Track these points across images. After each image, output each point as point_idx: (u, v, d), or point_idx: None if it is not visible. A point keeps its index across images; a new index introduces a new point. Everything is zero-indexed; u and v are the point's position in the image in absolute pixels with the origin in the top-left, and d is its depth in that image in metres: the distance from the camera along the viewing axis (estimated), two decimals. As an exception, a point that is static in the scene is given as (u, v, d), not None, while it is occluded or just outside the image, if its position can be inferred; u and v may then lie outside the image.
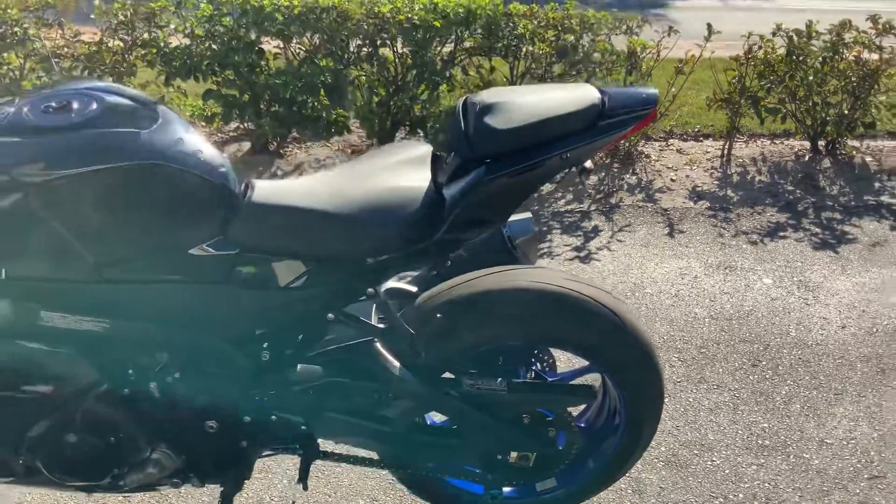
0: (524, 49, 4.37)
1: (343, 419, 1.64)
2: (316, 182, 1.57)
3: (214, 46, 4.29)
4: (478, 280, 1.58)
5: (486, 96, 1.51)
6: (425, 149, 1.63)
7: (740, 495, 2.05)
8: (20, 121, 1.37)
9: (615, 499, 2.02)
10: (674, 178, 4.58)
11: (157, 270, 1.44)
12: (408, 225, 1.46)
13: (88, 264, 1.39)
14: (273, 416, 1.61)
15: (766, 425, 2.33)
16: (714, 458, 2.19)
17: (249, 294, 1.49)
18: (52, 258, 1.38)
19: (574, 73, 4.41)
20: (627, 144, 4.75)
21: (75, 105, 1.41)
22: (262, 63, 4.37)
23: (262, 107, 4.45)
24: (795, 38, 4.53)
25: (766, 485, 2.09)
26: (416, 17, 4.18)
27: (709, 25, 4.63)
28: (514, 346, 1.70)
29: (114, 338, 1.46)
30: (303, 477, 1.66)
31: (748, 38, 4.57)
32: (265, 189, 1.52)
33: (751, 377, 2.57)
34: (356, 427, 1.66)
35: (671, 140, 5.21)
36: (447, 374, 1.65)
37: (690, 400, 2.44)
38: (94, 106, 1.42)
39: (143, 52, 4.36)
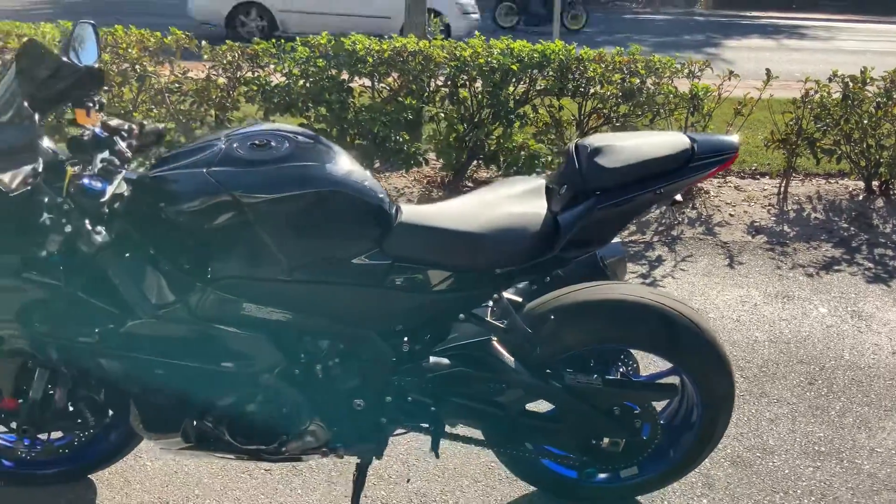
0: (592, 90, 4.73)
1: (464, 404, 1.98)
2: (452, 207, 1.94)
3: (308, 85, 4.74)
4: (583, 291, 1.91)
5: (595, 140, 1.87)
6: (539, 182, 1.99)
7: (798, 491, 2.32)
8: (234, 154, 1.77)
9: (688, 490, 2.31)
10: (732, 213, 4.85)
11: (330, 274, 1.81)
12: (531, 243, 1.82)
13: (283, 267, 1.77)
14: (409, 398, 1.96)
15: (821, 434, 2.60)
16: (774, 461, 2.46)
17: (398, 296, 1.86)
18: (256, 261, 1.76)
19: (639, 113, 4.74)
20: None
21: (272, 143, 1.81)
22: (351, 101, 4.81)
23: (347, 140, 4.88)
24: (851, 83, 4.80)
25: (822, 483, 2.36)
26: (494, 61, 4.58)
27: (767, 71, 4.94)
28: (605, 348, 2.03)
29: (294, 326, 1.84)
30: (434, 447, 2.00)
31: (805, 82, 4.86)
32: (411, 211, 1.89)
33: (807, 393, 2.84)
34: (474, 411, 1.99)
35: (729, 177, 5.50)
36: (552, 370, 1.98)
37: (753, 411, 2.72)
38: (287, 144, 1.81)
39: (245, 89, 4.84)
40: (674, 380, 2.07)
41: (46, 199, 1.72)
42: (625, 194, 1.80)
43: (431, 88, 4.83)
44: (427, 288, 1.85)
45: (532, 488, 2.28)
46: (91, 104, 1.85)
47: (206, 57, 4.84)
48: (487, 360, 1.92)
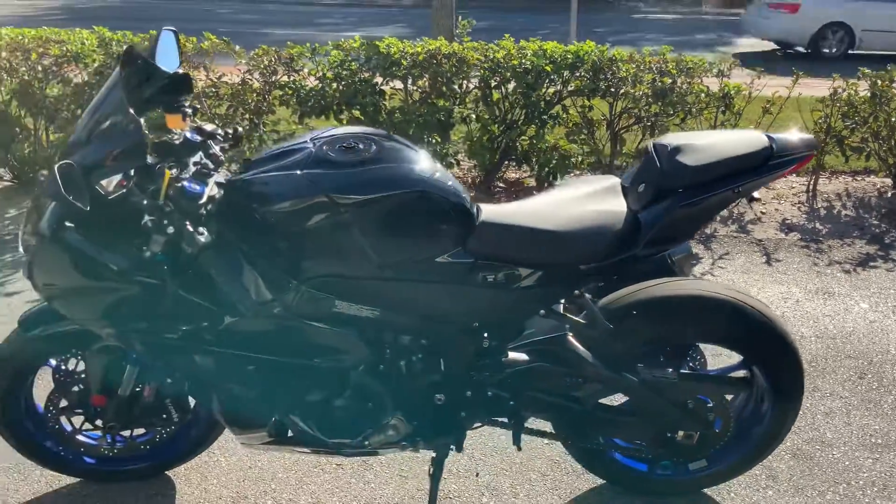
0: (623, 90, 4.77)
1: (541, 398, 2.03)
2: (531, 205, 1.99)
3: (341, 88, 4.79)
4: (660, 287, 1.96)
5: (674, 139, 1.93)
6: (613, 181, 2.04)
7: (860, 482, 2.37)
8: (325, 157, 1.82)
9: (752, 483, 2.36)
10: (763, 210, 4.89)
11: (416, 272, 1.87)
12: (613, 241, 1.87)
13: (373, 265, 1.82)
14: (489, 393, 2.01)
15: (877, 427, 2.64)
16: (834, 453, 2.51)
17: (481, 293, 1.91)
18: (348, 260, 1.82)
19: (671, 112, 4.79)
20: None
21: (360, 145, 1.86)
22: (383, 103, 4.87)
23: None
24: (879, 81, 4.84)
25: (883, 475, 2.40)
26: (528, 62, 4.63)
27: (795, 70, 4.99)
28: (677, 343, 2.08)
29: (380, 323, 1.89)
30: (516, 441, 2.05)
31: (833, 81, 4.90)
32: (492, 211, 1.94)
33: (859, 387, 2.88)
34: (551, 405, 2.05)
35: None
36: (628, 364, 2.03)
37: (808, 405, 2.76)
38: (374, 147, 1.86)
39: (280, 92, 4.90)
40: (744, 373, 2.12)
41: (144, 202, 1.78)
42: (706, 192, 1.85)
43: (463, 90, 4.88)
44: (509, 285, 1.91)
45: (600, 482, 2.33)
46: (185, 109, 1.91)
47: (241, 61, 4.90)
48: (565, 354, 1.97)
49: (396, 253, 1.84)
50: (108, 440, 2.18)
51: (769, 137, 1.90)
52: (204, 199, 1.77)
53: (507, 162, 5.13)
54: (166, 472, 2.35)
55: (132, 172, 1.84)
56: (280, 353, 1.89)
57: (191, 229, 1.73)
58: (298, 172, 1.80)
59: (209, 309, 1.83)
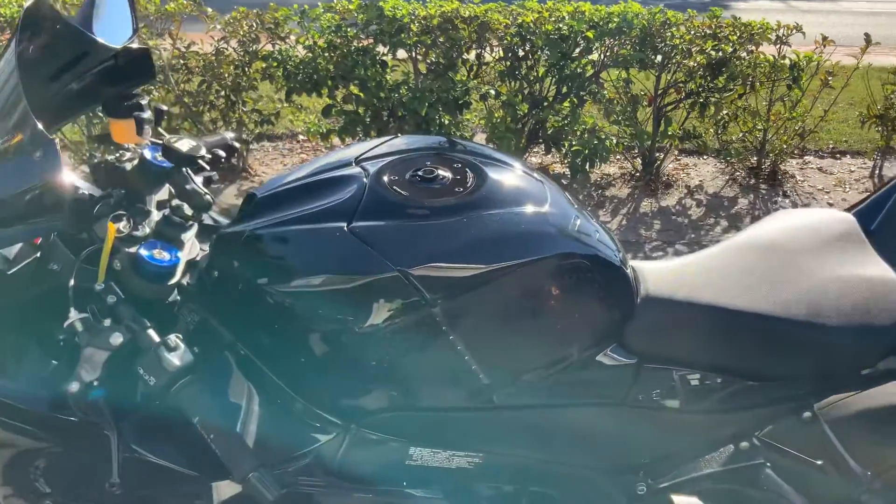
0: (675, 60, 4.02)
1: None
2: (726, 265, 1.23)
3: (336, 59, 3.97)
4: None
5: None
6: (845, 219, 1.28)
7: None
8: (389, 196, 1.05)
9: None
10: (830, 200, 4.23)
11: (548, 392, 1.11)
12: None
13: (481, 389, 1.06)
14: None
15: None
16: None
17: (646, 415, 1.16)
18: (443, 383, 1.05)
19: (731, 87, 4.05)
20: (769, 163, 4.44)
21: (445, 174, 1.08)
22: (388, 77, 4.06)
23: (383, 122, 4.14)
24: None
25: None
26: (564, 28, 3.84)
27: (867, 35, 4.28)
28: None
29: (482, 476, 1.13)
30: None
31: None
32: (661, 277, 1.18)
33: None
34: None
35: (807, 157, 4.88)
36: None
37: None
38: (471, 174, 1.09)
39: (263, 65, 4.06)
40: None
41: (70, 283, 0.99)
42: None
43: (485, 61, 4.08)
44: (696, 402, 1.16)
45: None
46: (143, 114, 1.11)
47: (215, 27, 4.04)
48: (767, 500, 1.23)
49: (518, 365, 1.08)
50: None
51: None
52: (177, 277, 0.99)
53: (529, 147, 4.36)
54: None
55: (58, 226, 1.05)
56: None
57: (153, 339, 0.95)
58: (345, 227, 1.02)
59: (185, 483, 1.05)
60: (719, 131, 4.34)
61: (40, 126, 0.89)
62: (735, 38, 4.02)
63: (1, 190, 0.90)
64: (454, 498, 1.13)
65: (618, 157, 4.49)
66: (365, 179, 1.08)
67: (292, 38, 4.11)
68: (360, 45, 4.00)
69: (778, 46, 4.21)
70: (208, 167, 1.16)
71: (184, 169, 1.14)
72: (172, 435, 1.02)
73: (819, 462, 1.16)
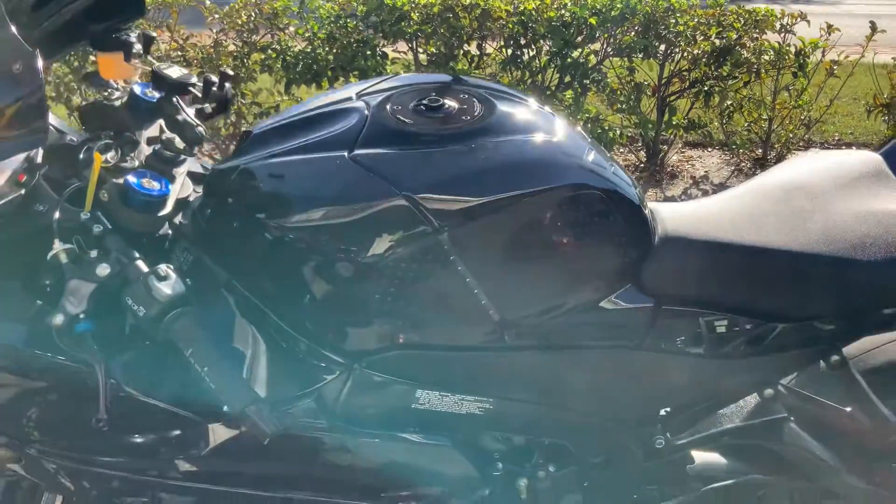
0: (680, 48, 3.97)
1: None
2: (747, 205, 1.17)
3: (335, 50, 3.94)
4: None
5: None
6: (872, 159, 1.23)
7: None
8: (395, 125, 0.99)
9: None
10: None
11: (561, 333, 1.05)
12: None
13: (491, 327, 1.00)
14: (663, 521, 1.21)
15: None
16: None
17: (665, 361, 1.10)
18: (447, 317, 0.99)
19: (735, 75, 4.00)
20: (774, 154, 4.39)
21: (452, 103, 1.03)
22: (388, 69, 4.02)
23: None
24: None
25: None
26: (566, 14, 3.80)
27: (872, 24, 4.24)
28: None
29: (492, 422, 1.07)
30: None
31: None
32: (680, 216, 1.12)
33: None
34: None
35: (812, 149, 4.83)
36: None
37: None
38: (477, 104, 1.03)
39: (261, 56, 4.02)
40: None
41: (56, 215, 0.94)
42: None
43: (486, 52, 4.04)
44: (717, 346, 1.09)
45: None
46: (131, 41, 1.06)
47: (213, 18, 4.00)
48: (793, 455, 1.17)
49: (529, 301, 1.02)
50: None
51: None
52: (168, 209, 0.93)
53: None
54: None
55: (38, 159, 1.00)
56: (313, 488, 1.06)
57: (142, 269, 0.89)
58: (346, 155, 0.97)
59: (175, 422, 0.99)
60: (724, 121, 4.29)
61: (18, 37, 0.84)
62: (739, 25, 3.97)
63: None
64: (463, 447, 1.06)
65: (622, 148, 4.44)
66: (366, 111, 1.02)
67: (291, 29, 4.07)
68: (360, 36, 3.96)
69: (783, 35, 4.17)
70: (200, 95, 1.11)
71: (174, 98, 1.09)
72: (164, 371, 0.96)
73: (848, 409, 1.09)
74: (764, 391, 1.13)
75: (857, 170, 1.21)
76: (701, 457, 1.18)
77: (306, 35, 3.99)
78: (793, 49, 4.04)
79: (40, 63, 0.85)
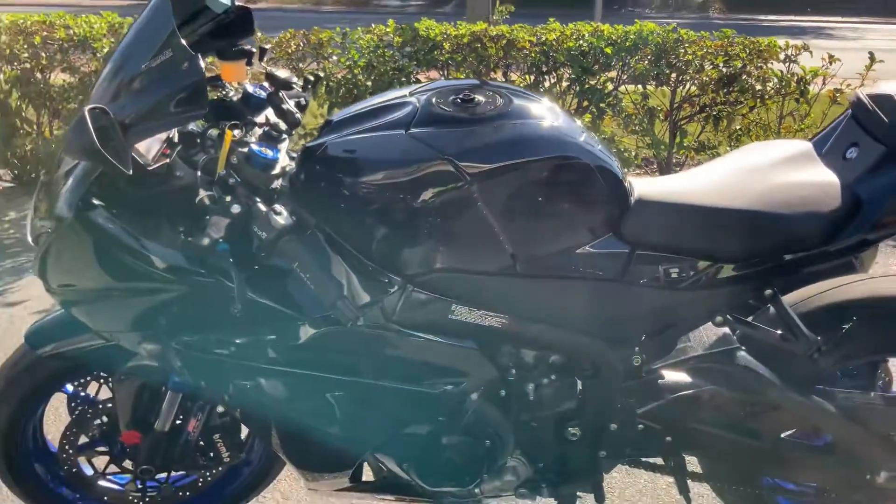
0: (688, 75, 4.33)
1: (709, 432, 1.56)
2: (702, 178, 1.53)
3: (373, 77, 4.35)
4: (864, 285, 1.50)
5: (892, 87, 1.47)
6: (804, 146, 1.58)
7: None
8: (437, 112, 1.37)
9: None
10: None
11: (557, 267, 1.41)
12: (828, 222, 1.40)
13: (505, 257, 1.36)
14: (639, 426, 1.54)
15: None
16: None
17: (639, 294, 1.44)
18: (472, 250, 1.36)
19: (741, 100, 4.34)
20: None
21: (479, 97, 1.40)
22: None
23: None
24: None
25: None
26: (584, 45, 4.19)
27: (871, 54, 4.55)
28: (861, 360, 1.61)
29: (507, 334, 1.42)
30: (683, 491, 1.58)
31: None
32: (649, 186, 1.48)
33: None
34: (721, 441, 1.57)
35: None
36: (824, 387, 1.55)
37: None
38: (500, 99, 1.40)
39: (308, 81, 4.44)
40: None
41: (198, 174, 1.32)
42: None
43: (511, 79, 4.43)
44: (678, 282, 1.44)
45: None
46: (251, 52, 1.45)
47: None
48: (744, 375, 1.50)
49: (534, 240, 1.38)
50: (139, 486, 1.70)
51: None
52: (277, 170, 1.31)
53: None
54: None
55: (175, 139, 1.39)
56: (376, 374, 1.42)
57: (263, 208, 1.27)
58: (404, 132, 1.34)
59: (286, 317, 1.36)
60: (733, 143, 4.61)
61: (185, 44, 1.22)
62: (745, 54, 4.33)
63: (159, 92, 1.23)
64: (486, 353, 1.41)
65: (637, 168, 4.78)
66: (417, 103, 1.40)
67: (334, 57, 4.49)
68: (396, 64, 4.37)
69: (787, 65, 4.51)
70: (300, 91, 1.50)
71: (280, 92, 1.47)
72: (277, 279, 1.33)
73: (779, 332, 1.43)
74: (716, 318, 1.46)
75: (790, 153, 1.55)
76: (670, 374, 1.51)
77: (347, 63, 4.41)
78: (794, 77, 4.36)
79: (202, 62, 1.24)
